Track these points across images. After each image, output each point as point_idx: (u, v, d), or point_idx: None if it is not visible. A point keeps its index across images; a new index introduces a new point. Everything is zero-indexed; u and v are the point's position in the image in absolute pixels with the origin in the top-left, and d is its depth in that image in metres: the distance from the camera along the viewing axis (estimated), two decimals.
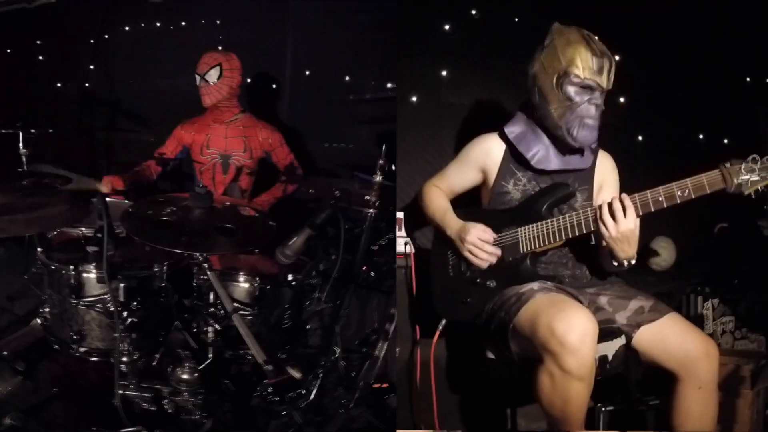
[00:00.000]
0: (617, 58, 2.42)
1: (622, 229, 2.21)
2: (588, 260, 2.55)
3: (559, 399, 2.10)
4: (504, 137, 2.58)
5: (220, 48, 3.62)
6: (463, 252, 2.50)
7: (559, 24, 2.44)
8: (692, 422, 2.23)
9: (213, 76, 3.32)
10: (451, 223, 2.57)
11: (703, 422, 2.23)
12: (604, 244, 2.29)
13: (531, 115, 2.52)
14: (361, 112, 4.11)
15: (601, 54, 2.34)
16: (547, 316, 2.10)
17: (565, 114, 2.40)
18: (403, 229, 3.05)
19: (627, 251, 2.28)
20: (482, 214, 2.60)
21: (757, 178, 2.09)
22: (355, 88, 4.16)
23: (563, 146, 2.47)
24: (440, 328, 2.65)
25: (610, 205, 2.24)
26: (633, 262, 2.32)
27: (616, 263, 2.33)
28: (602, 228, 2.25)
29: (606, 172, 2.60)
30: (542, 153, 2.50)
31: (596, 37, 2.39)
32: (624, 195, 2.24)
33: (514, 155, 2.55)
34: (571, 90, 2.38)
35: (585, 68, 2.34)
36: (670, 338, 2.27)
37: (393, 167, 2.80)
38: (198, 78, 3.34)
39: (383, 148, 2.59)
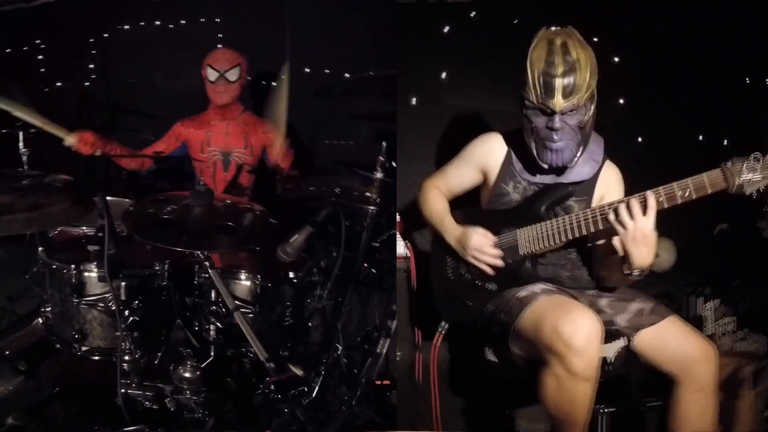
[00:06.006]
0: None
1: (641, 227, 2.13)
2: (587, 262, 2.56)
3: (566, 401, 2.10)
4: (507, 139, 2.57)
5: (220, 46, 3.62)
6: (466, 258, 2.49)
7: (544, 31, 2.36)
8: (691, 425, 2.24)
9: (233, 75, 3.36)
10: (450, 228, 2.56)
11: (702, 425, 2.24)
12: (620, 251, 2.21)
13: None
14: (360, 105, 4.08)
15: (563, 73, 2.23)
16: (552, 318, 2.10)
17: (531, 136, 2.37)
18: (403, 232, 3.04)
19: (645, 257, 2.17)
20: (481, 214, 2.60)
21: (759, 177, 2.07)
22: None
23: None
24: (441, 331, 2.65)
25: (628, 202, 2.17)
26: (647, 272, 2.24)
27: (628, 272, 2.24)
28: (619, 227, 2.17)
29: (610, 185, 2.52)
30: (527, 165, 2.49)
31: (578, 44, 2.28)
32: (649, 192, 2.16)
33: (514, 159, 2.54)
34: (529, 114, 2.34)
35: (534, 92, 2.28)
36: (669, 341, 2.27)
37: (393, 164, 2.80)
38: (215, 74, 3.35)
39: (383, 144, 2.59)
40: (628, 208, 2.16)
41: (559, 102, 2.25)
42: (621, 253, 2.23)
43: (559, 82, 2.23)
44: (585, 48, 2.29)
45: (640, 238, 2.15)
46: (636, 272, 2.23)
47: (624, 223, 2.16)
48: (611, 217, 2.20)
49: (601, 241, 2.46)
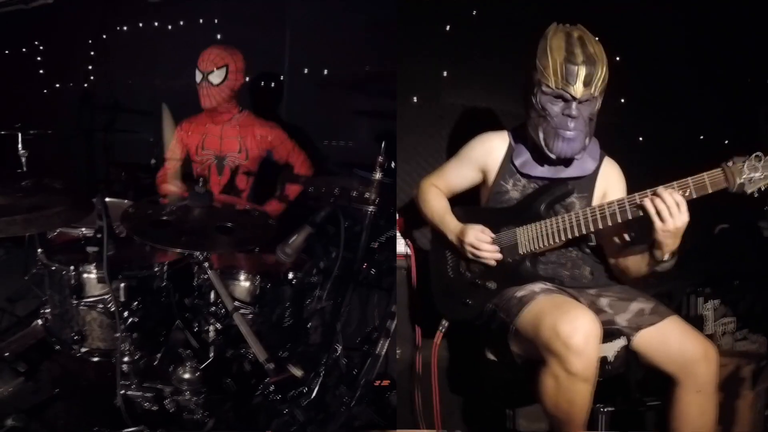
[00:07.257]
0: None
1: (679, 223, 2.12)
2: (587, 261, 2.56)
3: (564, 400, 2.10)
4: (507, 137, 2.57)
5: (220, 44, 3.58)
6: (465, 254, 2.49)
7: (556, 25, 2.39)
8: (691, 425, 2.23)
9: (217, 77, 3.23)
10: (450, 225, 2.56)
11: (701, 425, 2.23)
12: (657, 240, 2.18)
13: None
14: (360, 103, 4.06)
15: (583, 62, 2.26)
16: (551, 317, 2.09)
17: (541, 125, 2.38)
18: (403, 231, 3.04)
19: (676, 243, 2.18)
20: (480, 212, 2.59)
21: (760, 176, 2.06)
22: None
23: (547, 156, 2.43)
24: (442, 330, 2.65)
25: (668, 202, 2.12)
26: (675, 256, 2.24)
27: (655, 262, 2.24)
28: (659, 223, 2.13)
29: (611, 182, 2.54)
30: (530, 159, 2.49)
31: (593, 40, 2.33)
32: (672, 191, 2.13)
33: (514, 156, 2.54)
34: (544, 100, 2.34)
35: (555, 77, 2.29)
36: (669, 341, 2.26)
37: (392, 164, 2.80)
38: (199, 75, 3.25)
39: (382, 145, 2.59)
40: (668, 206, 2.12)
41: (579, 89, 2.28)
42: (653, 246, 2.22)
43: (580, 70, 2.26)
44: (599, 44, 2.33)
45: (675, 231, 2.14)
46: (668, 257, 2.22)
47: (665, 220, 2.13)
48: (658, 223, 2.15)
49: (613, 238, 2.45)
